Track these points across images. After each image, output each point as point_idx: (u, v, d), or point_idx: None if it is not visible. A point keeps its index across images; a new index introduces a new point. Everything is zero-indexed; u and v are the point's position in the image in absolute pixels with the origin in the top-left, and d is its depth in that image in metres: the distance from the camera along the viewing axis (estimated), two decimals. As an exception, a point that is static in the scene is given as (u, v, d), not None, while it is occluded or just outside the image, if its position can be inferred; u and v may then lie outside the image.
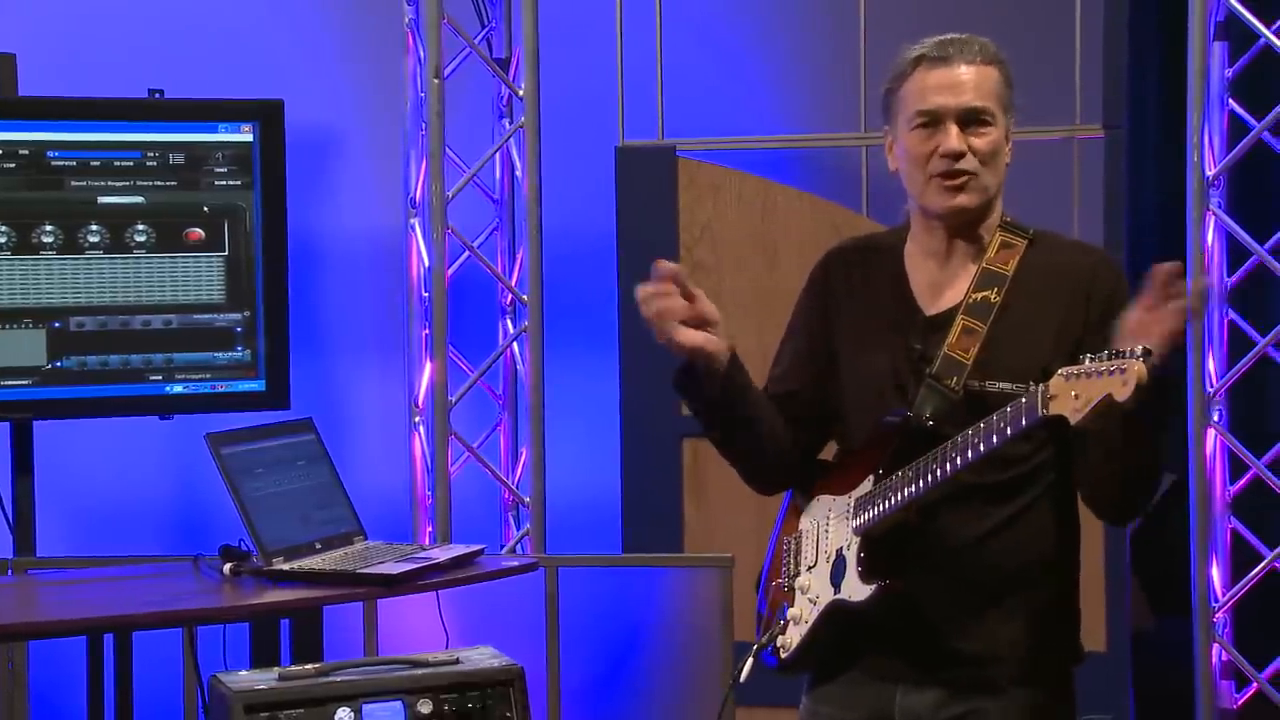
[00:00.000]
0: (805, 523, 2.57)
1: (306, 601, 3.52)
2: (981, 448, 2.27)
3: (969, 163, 2.42)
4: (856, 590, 2.43)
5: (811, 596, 2.51)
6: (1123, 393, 2.11)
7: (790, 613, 2.53)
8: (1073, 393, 2.15)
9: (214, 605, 3.33)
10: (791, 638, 2.52)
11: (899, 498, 2.39)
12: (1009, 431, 2.24)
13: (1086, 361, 2.15)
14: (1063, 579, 2.51)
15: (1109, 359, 2.14)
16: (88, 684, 4.05)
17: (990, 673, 2.45)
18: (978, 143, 2.42)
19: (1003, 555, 2.44)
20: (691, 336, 2.40)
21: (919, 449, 2.37)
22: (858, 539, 2.45)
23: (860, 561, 2.43)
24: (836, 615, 2.46)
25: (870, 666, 2.50)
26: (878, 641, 2.48)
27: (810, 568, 2.53)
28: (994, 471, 2.32)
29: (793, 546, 2.58)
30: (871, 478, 2.45)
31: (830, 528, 2.51)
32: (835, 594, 2.46)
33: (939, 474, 2.32)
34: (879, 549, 2.43)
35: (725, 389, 2.45)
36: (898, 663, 2.47)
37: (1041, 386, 2.19)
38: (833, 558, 2.48)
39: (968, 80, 2.43)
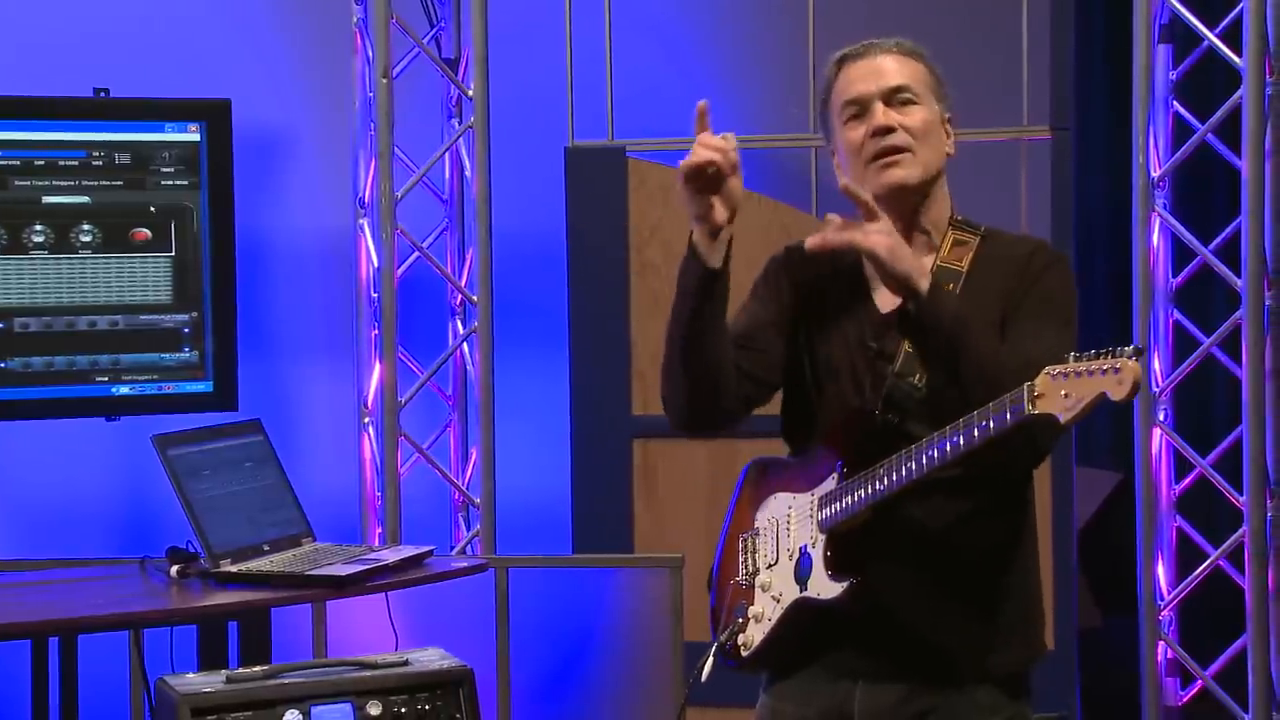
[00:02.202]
0: (762, 520, 2.57)
1: (254, 603, 3.50)
2: (961, 444, 2.27)
3: (900, 137, 2.45)
4: (825, 588, 2.43)
5: (774, 594, 2.51)
6: (1119, 392, 2.14)
7: (751, 610, 2.53)
8: (1062, 392, 2.17)
9: (161, 607, 3.31)
10: (753, 635, 2.53)
11: (867, 494, 2.39)
12: (991, 428, 2.25)
13: (1072, 360, 2.17)
14: (1025, 573, 2.52)
15: (1098, 357, 2.16)
16: (32, 688, 4.01)
17: (954, 668, 2.46)
18: (906, 119, 2.46)
19: (967, 549, 2.46)
20: (714, 202, 2.40)
21: (882, 446, 2.38)
22: (824, 536, 2.45)
23: (828, 560, 2.44)
24: (802, 612, 2.47)
25: (831, 663, 2.51)
26: (841, 638, 2.48)
27: (771, 565, 2.53)
28: (956, 465, 2.33)
29: (749, 544, 2.58)
30: (835, 475, 2.45)
31: (791, 525, 2.51)
32: (801, 591, 2.46)
33: (913, 469, 2.33)
34: (847, 546, 2.44)
35: (725, 275, 2.42)
36: (860, 659, 2.48)
37: (1027, 385, 2.21)
38: (796, 555, 2.49)
39: (887, 66, 2.48)
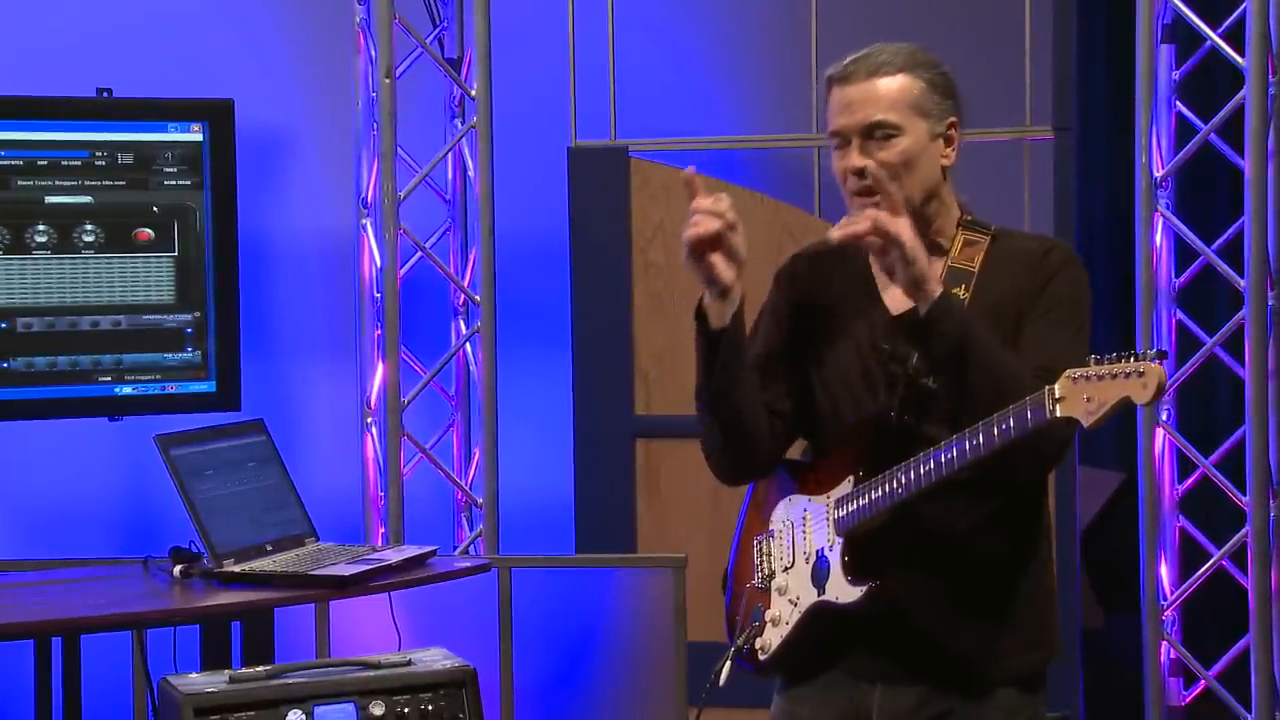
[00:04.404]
0: (777, 523, 2.56)
1: (257, 603, 3.51)
2: (981, 445, 2.28)
3: (872, 178, 2.43)
4: (844, 592, 2.43)
5: (791, 598, 2.51)
6: (1144, 396, 2.15)
7: (768, 614, 2.53)
8: (1085, 395, 2.18)
9: (164, 607, 3.31)
10: (770, 639, 2.52)
11: (885, 497, 2.39)
12: (1012, 431, 2.25)
13: (1092, 363, 2.18)
14: (1040, 576, 2.53)
15: (1119, 360, 2.16)
16: (35, 688, 4.02)
17: (972, 672, 2.46)
18: (883, 155, 2.43)
19: (985, 552, 2.46)
20: (718, 265, 2.39)
21: (897, 448, 2.39)
22: (841, 539, 2.45)
23: (846, 565, 2.43)
24: (821, 616, 2.47)
25: (850, 666, 2.51)
26: (859, 641, 2.48)
27: (787, 569, 2.52)
28: (972, 469, 2.33)
29: (764, 547, 2.57)
30: (851, 478, 2.45)
31: (807, 528, 2.51)
32: (819, 595, 2.46)
33: (931, 471, 2.33)
34: (864, 549, 2.43)
35: (734, 328, 2.43)
36: (879, 662, 2.48)
37: (1048, 388, 2.21)
38: (813, 558, 2.48)
39: (864, 97, 2.45)
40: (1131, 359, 2.16)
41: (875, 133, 2.44)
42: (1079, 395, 2.18)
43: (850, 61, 2.48)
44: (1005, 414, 2.25)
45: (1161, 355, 2.16)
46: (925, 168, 2.46)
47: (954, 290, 2.46)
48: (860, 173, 2.43)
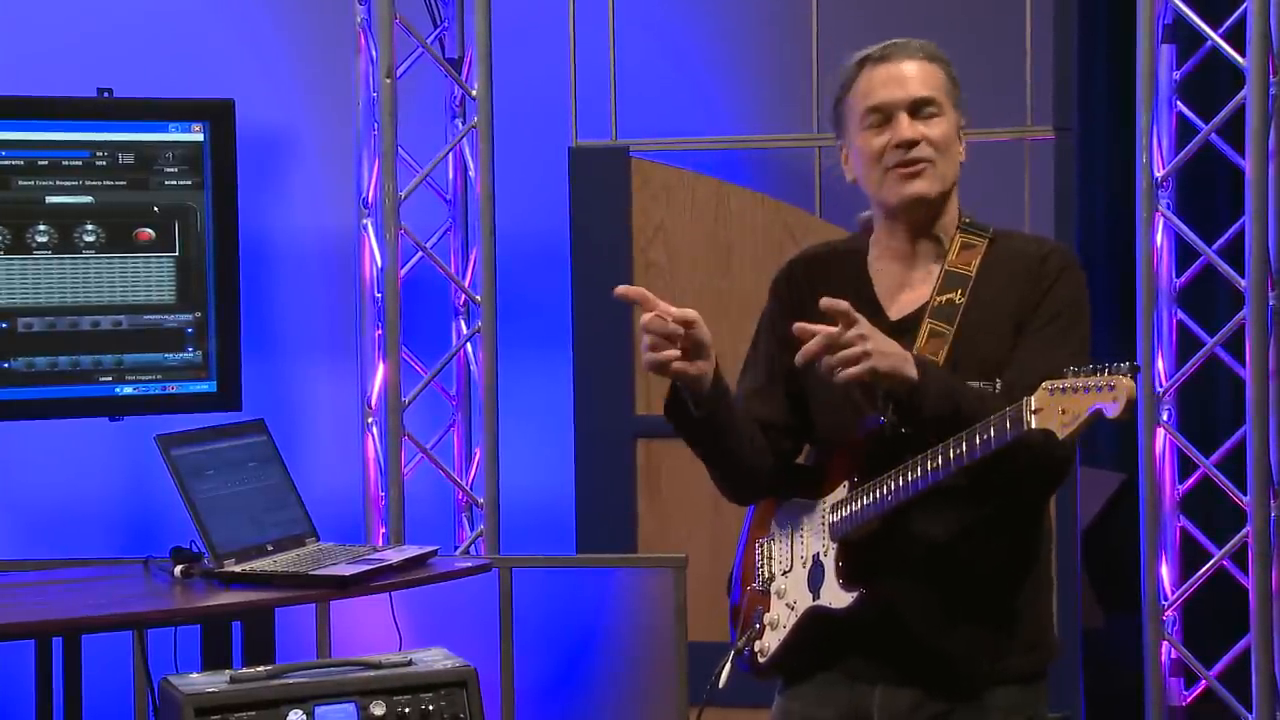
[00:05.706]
0: (778, 525, 2.57)
1: (258, 603, 3.51)
2: (964, 455, 2.28)
3: (924, 150, 2.44)
4: (837, 597, 2.44)
5: (789, 602, 2.51)
6: (1114, 409, 2.14)
7: (767, 617, 2.53)
8: (1060, 408, 2.17)
9: (164, 607, 3.32)
10: (769, 642, 2.53)
11: (876, 505, 2.39)
12: (992, 444, 2.25)
13: (1070, 375, 2.17)
14: (1037, 577, 2.52)
15: (1094, 373, 2.15)
16: (36, 688, 4.01)
17: (969, 673, 2.47)
18: (929, 131, 2.44)
19: (979, 555, 2.45)
20: (680, 367, 2.36)
21: (893, 454, 2.38)
22: (835, 546, 2.45)
23: (839, 570, 2.44)
24: (816, 621, 2.47)
25: (847, 668, 2.51)
26: (854, 645, 2.48)
27: (785, 572, 2.53)
28: (964, 477, 2.33)
29: (765, 550, 2.58)
30: (846, 484, 2.45)
31: (805, 533, 2.51)
32: (815, 600, 2.47)
33: (917, 483, 2.33)
34: (858, 556, 2.44)
35: (710, 411, 2.42)
36: (876, 664, 2.48)
37: (1025, 399, 2.21)
38: (809, 563, 2.49)
39: (912, 74, 2.46)
40: (1105, 372, 2.15)
41: (923, 109, 2.44)
42: (1055, 407, 2.18)
43: (884, 46, 2.48)
44: (986, 424, 2.26)
45: (1134, 369, 2.15)
46: (954, 158, 2.48)
47: (950, 294, 2.46)
48: (909, 145, 2.42)
